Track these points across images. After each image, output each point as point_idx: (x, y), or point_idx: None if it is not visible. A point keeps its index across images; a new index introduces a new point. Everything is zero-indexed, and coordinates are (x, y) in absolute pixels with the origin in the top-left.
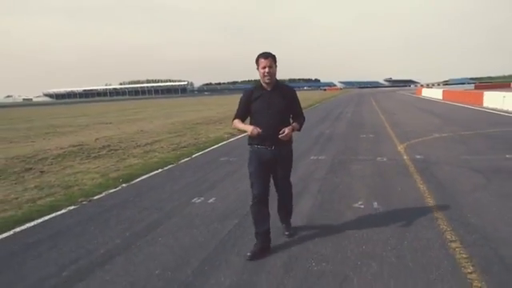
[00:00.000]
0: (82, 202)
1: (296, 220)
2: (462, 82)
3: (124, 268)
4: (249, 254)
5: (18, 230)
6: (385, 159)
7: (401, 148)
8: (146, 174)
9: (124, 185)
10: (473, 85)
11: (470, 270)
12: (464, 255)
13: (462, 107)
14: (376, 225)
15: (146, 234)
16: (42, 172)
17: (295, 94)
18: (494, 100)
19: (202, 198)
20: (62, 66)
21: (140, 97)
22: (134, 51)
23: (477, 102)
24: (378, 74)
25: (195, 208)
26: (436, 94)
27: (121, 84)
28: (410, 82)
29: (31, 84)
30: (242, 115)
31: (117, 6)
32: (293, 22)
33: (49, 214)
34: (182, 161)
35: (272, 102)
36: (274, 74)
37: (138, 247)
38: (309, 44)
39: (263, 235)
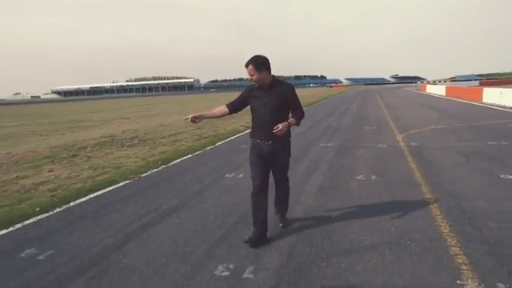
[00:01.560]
0: (133, 178)
1: (311, 187)
2: (469, 78)
3: (186, 216)
4: (246, 238)
5: (92, 196)
6: (384, 146)
7: (399, 137)
8: (179, 158)
9: (163, 166)
10: (478, 81)
11: (437, 213)
12: (436, 206)
13: (462, 103)
14: (372, 189)
15: (195, 197)
16: (88, 157)
17: (293, 90)
18: (492, 96)
19: (233, 174)
20: (69, 63)
21: (147, 94)
22: (140, 48)
23: (477, 98)
24: (385, 70)
25: (228, 180)
26: (440, 90)
27: (127, 81)
28: (417, 78)
29: (38, 81)
30: (233, 105)
31: (122, 3)
32: (299, 19)
33: (110, 186)
34: (208, 148)
35: (268, 100)
36: (261, 79)
37: (192, 205)
38: (315, 41)
39: (260, 223)
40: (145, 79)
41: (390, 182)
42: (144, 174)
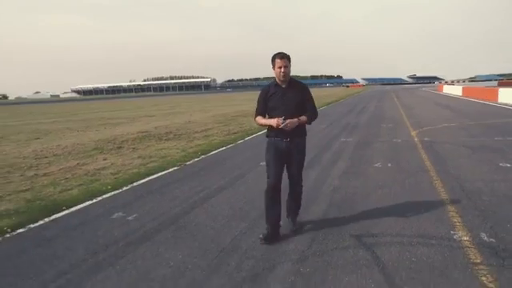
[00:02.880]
0: (180, 165)
1: (336, 172)
2: (489, 78)
3: (235, 192)
4: (261, 236)
5: (150, 178)
6: (399, 140)
7: (413, 133)
8: (215, 150)
9: (203, 156)
10: (497, 82)
11: (442, 191)
12: (441, 185)
13: (477, 102)
14: (388, 174)
15: (238, 179)
16: (133, 149)
17: (308, 90)
18: (507, 96)
19: None
20: (87, 63)
21: (164, 93)
22: (156, 48)
23: (492, 98)
24: (402, 70)
25: (264, 167)
26: (456, 90)
27: (144, 80)
28: (435, 78)
29: (57, 80)
30: (262, 111)
31: (139, 3)
32: (315, 18)
33: (162, 172)
34: (239, 142)
35: (286, 97)
36: (289, 73)
37: (237, 184)
38: (331, 41)
39: (273, 221)
40: (162, 78)
41: (403, 168)
42: (188, 163)
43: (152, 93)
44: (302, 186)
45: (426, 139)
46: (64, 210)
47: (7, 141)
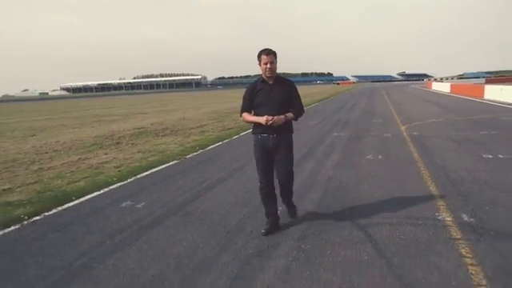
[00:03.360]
0: (179, 159)
1: (330, 163)
2: (477, 76)
3: (236, 182)
4: (263, 230)
5: (152, 171)
6: (389, 135)
7: (403, 128)
8: (212, 144)
9: (201, 150)
10: (485, 79)
11: (428, 179)
12: (427, 175)
13: (464, 99)
14: (379, 165)
15: (238, 170)
16: (132, 144)
17: (295, 87)
18: (493, 93)
19: None
20: (76, 60)
21: (155, 90)
22: (145, 45)
23: (479, 95)
24: (392, 67)
25: None
26: (445, 87)
27: (134, 78)
28: (424, 75)
29: (46, 78)
30: (248, 108)
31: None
32: (306, 16)
33: (163, 165)
34: (234, 137)
35: (273, 94)
36: (275, 69)
37: (237, 175)
38: (321, 38)
39: (272, 214)
40: (152, 76)
41: (393, 160)
42: (188, 156)
43: (142, 90)
44: (293, 178)
45: (414, 134)
46: (74, 199)
47: (3, 138)
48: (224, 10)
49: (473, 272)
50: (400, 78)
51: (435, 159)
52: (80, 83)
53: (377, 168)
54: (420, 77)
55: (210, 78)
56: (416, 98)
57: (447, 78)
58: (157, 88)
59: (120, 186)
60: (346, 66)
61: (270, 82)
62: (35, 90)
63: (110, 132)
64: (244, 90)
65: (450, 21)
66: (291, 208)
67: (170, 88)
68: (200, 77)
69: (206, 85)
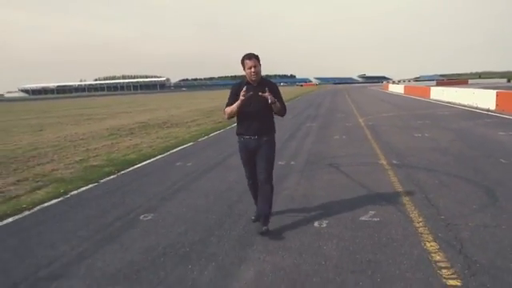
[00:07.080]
0: (194, 141)
1: (308, 142)
2: (432, 78)
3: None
4: (252, 217)
5: (178, 148)
6: (350, 124)
7: (361, 120)
8: (212, 133)
9: (206, 136)
10: (437, 81)
11: (376, 147)
12: (376, 146)
13: (414, 99)
14: (343, 142)
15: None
16: (146, 133)
17: (277, 89)
18: (437, 93)
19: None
20: (32, 62)
21: (119, 92)
22: (106, 46)
23: (426, 95)
24: (353, 70)
25: None
26: (399, 89)
27: (96, 80)
28: (383, 78)
29: (0, 80)
30: (231, 104)
31: None
32: (267, 19)
33: (184, 145)
34: (228, 127)
35: (257, 95)
36: (260, 72)
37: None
38: (283, 40)
39: None
40: (114, 78)
41: (353, 139)
42: (199, 140)
43: (105, 92)
44: (272, 186)
45: (369, 123)
46: (137, 163)
47: (15, 132)
48: (184, 11)
49: (394, 180)
50: (360, 80)
51: (383, 138)
52: (39, 85)
53: (341, 143)
54: (379, 79)
55: (174, 80)
56: (373, 98)
57: (404, 81)
58: (120, 90)
59: (162, 156)
60: (308, 68)
61: (255, 85)
62: None
63: (116, 126)
64: (214, 92)
65: (407, 24)
66: (266, 219)
67: (134, 90)
68: (164, 79)
69: (169, 87)
